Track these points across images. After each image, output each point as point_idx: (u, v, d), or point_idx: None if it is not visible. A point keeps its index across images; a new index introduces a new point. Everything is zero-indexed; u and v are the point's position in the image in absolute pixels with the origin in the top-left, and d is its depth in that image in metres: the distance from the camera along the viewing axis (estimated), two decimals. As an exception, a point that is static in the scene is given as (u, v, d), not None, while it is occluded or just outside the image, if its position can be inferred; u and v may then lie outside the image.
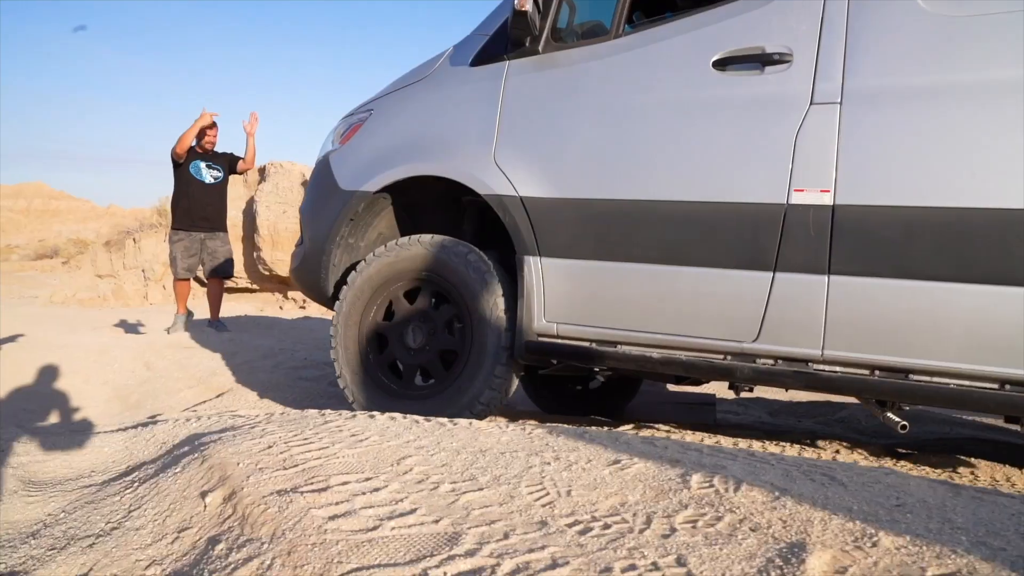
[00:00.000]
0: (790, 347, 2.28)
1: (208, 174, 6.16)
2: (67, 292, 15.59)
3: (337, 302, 3.10)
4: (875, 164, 2.16)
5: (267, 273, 15.76)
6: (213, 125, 6.07)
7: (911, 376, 2.18)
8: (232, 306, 16.29)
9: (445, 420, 2.32)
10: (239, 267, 16.47)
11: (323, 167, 3.38)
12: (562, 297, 2.64)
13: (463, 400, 2.78)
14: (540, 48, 2.75)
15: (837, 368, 2.25)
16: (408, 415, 2.43)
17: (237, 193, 16.17)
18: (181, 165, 6.05)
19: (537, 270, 2.66)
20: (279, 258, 15.15)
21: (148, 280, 16.68)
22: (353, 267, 3.21)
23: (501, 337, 2.77)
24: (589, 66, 2.68)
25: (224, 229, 6.32)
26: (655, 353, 2.49)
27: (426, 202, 3.28)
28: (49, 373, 5.66)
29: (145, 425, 2.76)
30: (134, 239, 17.44)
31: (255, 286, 16.79)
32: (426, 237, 2.94)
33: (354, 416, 2.35)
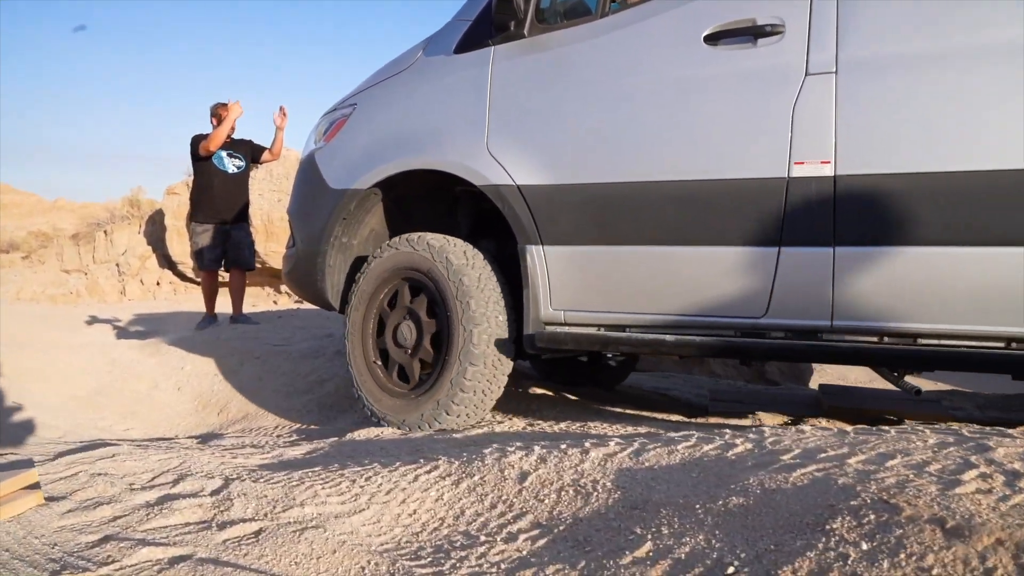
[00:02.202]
0: (800, 320, 2.28)
1: (231, 163, 5.91)
2: (35, 288, 14.21)
3: (348, 305, 3.07)
4: (873, 133, 2.15)
5: (259, 266, 14.62)
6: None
7: (919, 340, 2.20)
8: (222, 301, 15.12)
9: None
10: (225, 260, 15.25)
11: (309, 166, 3.29)
12: (568, 284, 2.61)
13: (456, 398, 2.72)
14: (526, 31, 2.69)
15: (847, 337, 2.26)
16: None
17: (225, 180, 14.97)
18: (203, 157, 5.80)
19: (540, 259, 2.63)
20: (273, 250, 14.09)
21: (124, 275, 15.38)
22: (354, 268, 3.20)
23: (495, 331, 2.73)
24: (578, 48, 2.62)
25: (248, 220, 6.12)
26: (669, 336, 2.46)
27: (417, 194, 3.19)
28: (107, 378, 4.71)
29: (412, 463, 1.94)
30: (105, 232, 16.08)
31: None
32: (413, 236, 2.90)
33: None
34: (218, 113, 5.92)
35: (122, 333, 7.94)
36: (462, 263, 2.76)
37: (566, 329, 2.63)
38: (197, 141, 5.83)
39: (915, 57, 2.14)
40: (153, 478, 2.20)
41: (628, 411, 3.52)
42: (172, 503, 1.87)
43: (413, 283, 2.96)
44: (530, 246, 2.65)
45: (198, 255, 6.06)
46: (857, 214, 2.16)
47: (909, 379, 2.62)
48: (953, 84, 2.10)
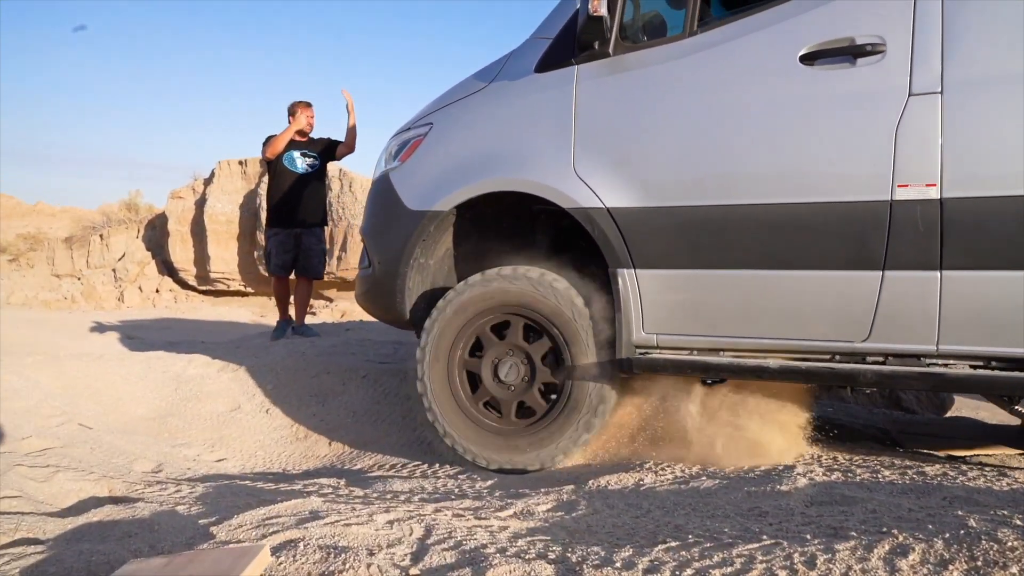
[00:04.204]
0: (902, 344, 2.23)
1: (303, 163, 5.50)
2: (26, 292, 13.31)
3: (423, 333, 2.92)
4: (982, 155, 2.11)
5: (268, 275, 13.88)
6: (311, 107, 5.54)
7: None
8: (224, 311, 14.35)
9: None
10: (231, 267, 14.54)
11: (384, 186, 3.19)
12: (661, 308, 2.56)
13: (573, 430, 2.66)
14: (611, 50, 2.62)
15: (953, 362, 2.21)
16: None
17: (234, 186, 14.30)
18: (272, 159, 5.48)
19: (632, 283, 2.58)
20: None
21: (121, 281, 14.52)
22: (432, 293, 3.12)
23: (601, 358, 2.67)
24: (668, 67, 2.57)
25: (322, 224, 5.65)
26: (772, 362, 2.37)
27: (494, 213, 3.09)
28: (175, 397, 4.03)
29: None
30: (101, 236, 15.20)
31: (249, 289, 14.85)
32: (507, 270, 2.83)
33: None
34: (293, 111, 5.46)
35: (141, 343, 7.18)
36: (572, 295, 2.69)
37: (666, 355, 2.56)
38: (264, 144, 5.46)
39: None
40: (416, 553, 1.54)
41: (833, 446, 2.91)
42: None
43: (511, 318, 2.82)
44: (622, 269, 2.58)
45: (267, 259, 5.69)
46: (965, 237, 2.11)
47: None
48: None
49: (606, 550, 1.47)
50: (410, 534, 1.66)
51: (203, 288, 14.98)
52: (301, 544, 1.60)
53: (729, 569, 1.31)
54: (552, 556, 1.45)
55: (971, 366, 2.19)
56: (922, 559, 1.27)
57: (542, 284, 2.73)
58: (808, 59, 2.31)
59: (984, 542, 1.28)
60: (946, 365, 2.21)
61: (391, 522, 1.76)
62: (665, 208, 2.52)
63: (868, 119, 2.23)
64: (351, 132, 5.50)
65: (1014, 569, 1.20)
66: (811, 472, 2.15)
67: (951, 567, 1.23)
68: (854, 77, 2.26)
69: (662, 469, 2.30)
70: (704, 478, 2.14)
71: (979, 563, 1.23)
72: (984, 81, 2.13)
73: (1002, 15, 2.12)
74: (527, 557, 1.45)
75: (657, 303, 2.56)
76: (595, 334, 2.65)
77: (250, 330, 8.45)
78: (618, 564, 1.38)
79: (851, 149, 2.25)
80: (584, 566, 1.38)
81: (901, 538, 1.34)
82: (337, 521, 1.74)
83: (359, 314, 14.05)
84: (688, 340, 2.55)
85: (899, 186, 2.18)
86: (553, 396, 2.76)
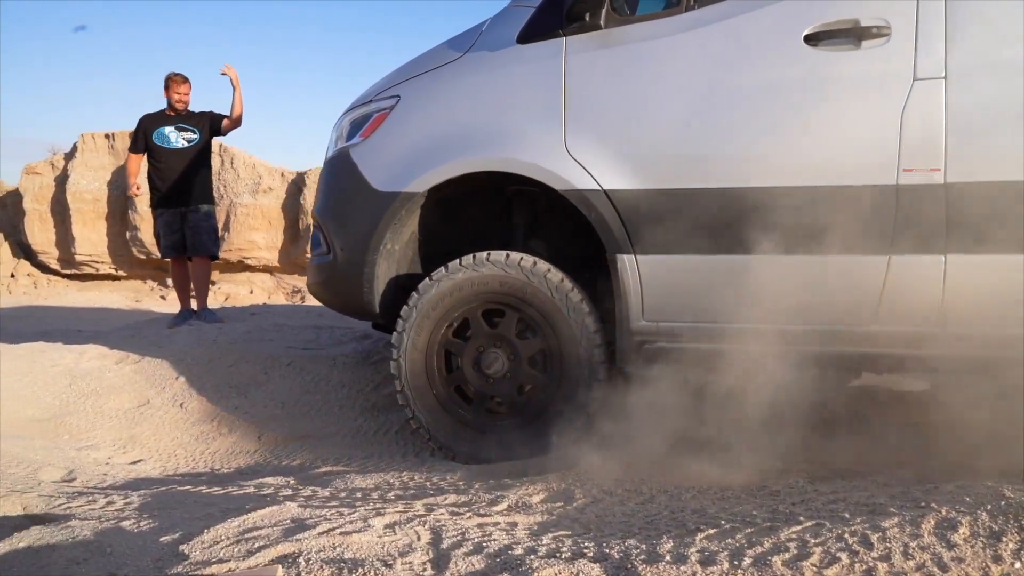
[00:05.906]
0: (910, 327, 2.24)
1: (179, 138, 5.28)
2: None
3: (399, 322, 2.79)
4: (985, 140, 2.14)
5: (143, 257, 12.93)
6: (185, 81, 5.25)
7: None
8: (93, 296, 13.27)
9: None
10: (99, 249, 13.45)
11: (344, 165, 2.97)
12: (662, 295, 2.50)
13: (560, 426, 2.53)
14: (602, 22, 2.53)
15: (960, 344, 2.19)
16: None
17: (100, 162, 13.20)
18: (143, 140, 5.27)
19: (633, 269, 2.50)
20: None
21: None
22: (398, 281, 2.96)
23: (593, 352, 2.60)
24: (665, 43, 2.51)
25: (208, 201, 5.41)
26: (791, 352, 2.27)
27: (462, 193, 2.94)
28: (71, 393, 3.68)
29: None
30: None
31: (121, 272, 13.81)
32: (499, 255, 2.71)
33: None
34: (167, 84, 5.15)
35: (7, 335, 6.45)
36: (568, 287, 2.61)
37: (672, 343, 2.49)
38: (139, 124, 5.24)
39: None
40: (437, 561, 1.41)
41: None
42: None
43: (494, 307, 2.73)
44: (621, 255, 2.50)
45: (157, 242, 5.38)
46: (969, 221, 2.13)
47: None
48: None
49: (646, 543, 1.39)
50: (418, 539, 1.53)
51: (67, 272, 13.78)
52: (302, 560, 1.43)
53: (787, 555, 1.26)
54: (590, 554, 1.36)
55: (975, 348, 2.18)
56: (972, 532, 1.27)
57: (534, 272, 2.62)
58: (812, 39, 2.29)
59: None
60: (953, 348, 2.20)
61: (390, 526, 1.61)
62: (667, 191, 2.46)
63: (874, 103, 2.24)
64: (237, 104, 5.29)
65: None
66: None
67: (1004, 539, 1.24)
68: (859, 60, 2.26)
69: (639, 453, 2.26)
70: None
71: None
72: (986, 67, 2.15)
73: (1003, 1, 2.15)
74: (564, 557, 1.35)
75: (659, 290, 2.49)
76: (589, 324, 2.56)
77: (134, 317, 7.80)
78: (667, 558, 1.30)
79: (857, 133, 2.26)
80: (633, 562, 1.30)
81: (944, 512, 1.34)
82: (332, 530, 1.58)
83: (244, 298, 13.35)
84: (691, 328, 2.48)
85: (904, 170, 2.19)
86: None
